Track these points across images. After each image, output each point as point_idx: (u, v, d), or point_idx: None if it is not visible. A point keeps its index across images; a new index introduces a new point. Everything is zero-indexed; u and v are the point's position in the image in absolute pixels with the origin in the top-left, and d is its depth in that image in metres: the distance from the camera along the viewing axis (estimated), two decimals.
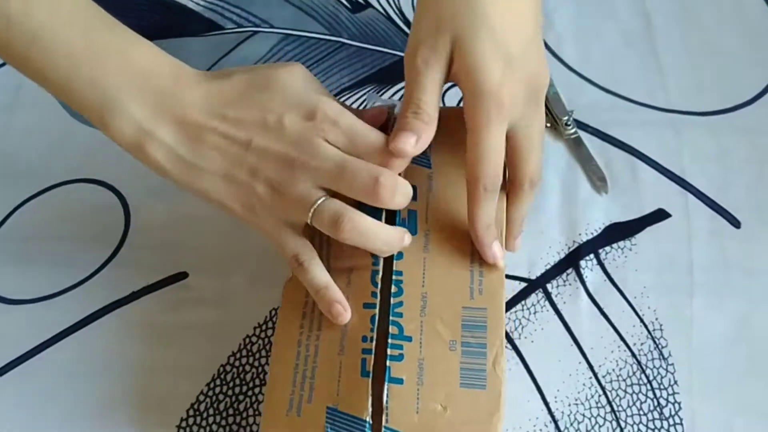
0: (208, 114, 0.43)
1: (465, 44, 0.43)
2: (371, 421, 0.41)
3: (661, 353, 0.53)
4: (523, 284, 0.56)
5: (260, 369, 0.53)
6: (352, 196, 0.43)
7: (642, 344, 0.53)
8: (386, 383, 0.42)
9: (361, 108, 0.52)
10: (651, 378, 0.52)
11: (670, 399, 0.51)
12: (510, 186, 0.48)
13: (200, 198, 0.45)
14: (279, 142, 0.42)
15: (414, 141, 0.43)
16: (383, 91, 0.65)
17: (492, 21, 0.43)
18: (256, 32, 0.69)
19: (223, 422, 0.51)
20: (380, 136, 0.43)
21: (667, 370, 0.52)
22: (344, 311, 0.44)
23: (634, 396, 0.52)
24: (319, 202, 0.43)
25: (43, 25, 0.42)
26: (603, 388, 0.52)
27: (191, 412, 0.52)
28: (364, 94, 0.65)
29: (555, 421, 0.51)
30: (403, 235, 0.45)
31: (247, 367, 0.53)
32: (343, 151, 0.43)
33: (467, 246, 0.46)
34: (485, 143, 0.43)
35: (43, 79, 0.44)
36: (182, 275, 0.57)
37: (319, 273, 0.45)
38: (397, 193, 0.43)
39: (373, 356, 0.43)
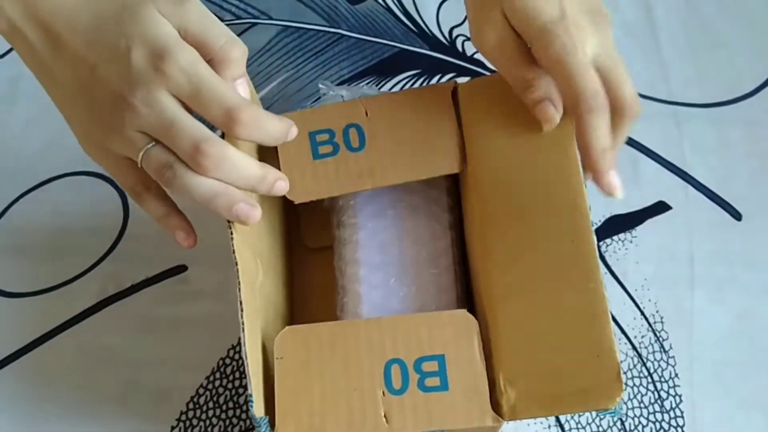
0: (70, 30, 0.40)
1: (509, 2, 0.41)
2: None
3: (661, 346, 0.53)
4: None
5: None
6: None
7: (642, 337, 0.53)
8: None
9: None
10: (652, 371, 0.52)
11: (671, 392, 0.51)
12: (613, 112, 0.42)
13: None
14: (118, 77, 0.39)
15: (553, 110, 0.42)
16: (383, 82, 0.65)
17: None
18: (254, 24, 0.68)
19: (223, 415, 0.51)
20: (229, 92, 0.39)
21: (667, 363, 0.52)
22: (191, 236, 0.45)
23: (635, 389, 0.52)
24: (145, 149, 0.39)
25: None
26: None
27: (191, 405, 0.52)
28: (364, 86, 0.64)
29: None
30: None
31: None
32: (185, 100, 0.39)
33: None
34: (573, 63, 0.40)
35: None
36: (182, 268, 0.57)
37: (156, 204, 0.44)
38: (224, 163, 0.38)
39: None
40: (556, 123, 0.42)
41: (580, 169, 0.42)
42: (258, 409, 0.39)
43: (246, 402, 0.52)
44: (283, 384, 0.41)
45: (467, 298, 0.48)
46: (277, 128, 0.40)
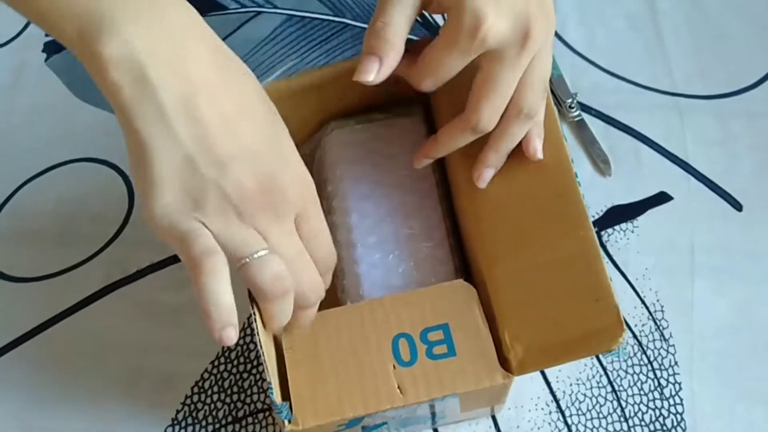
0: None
1: None
2: None
3: (662, 334, 0.53)
4: None
5: None
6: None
7: (643, 325, 0.54)
8: None
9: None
10: (652, 359, 0.53)
11: (671, 379, 0.52)
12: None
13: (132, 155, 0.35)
14: (253, 177, 0.35)
15: (376, 67, 0.40)
16: None
17: None
18: (259, 12, 0.69)
19: (228, 399, 0.52)
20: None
21: (667, 351, 0.53)
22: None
23: (635, 376, 0.52)
24: (260, 253, 0.36)
25: None
26: (604, 369, 0.52)
27: (196, 390, 0.52)
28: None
29: (557, 401, 0.51)
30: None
31: (252, 346, 0.54)
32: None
33: None
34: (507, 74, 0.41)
35: None
36: None
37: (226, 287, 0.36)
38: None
39: None
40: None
41: (560, 127, 0.44)
42: (277, 396, 0.39)
43: (250, 387, 0.52)
44: (295, 372, 0.42)
45: (464, 267, 0.49)
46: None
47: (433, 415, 0.47)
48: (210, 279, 0.34)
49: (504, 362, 0.41)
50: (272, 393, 0.38)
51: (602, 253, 0.54)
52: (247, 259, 0.35)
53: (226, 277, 0.35)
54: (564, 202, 0.42)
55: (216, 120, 0.34)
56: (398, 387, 0.41)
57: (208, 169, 0.34)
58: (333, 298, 0.49)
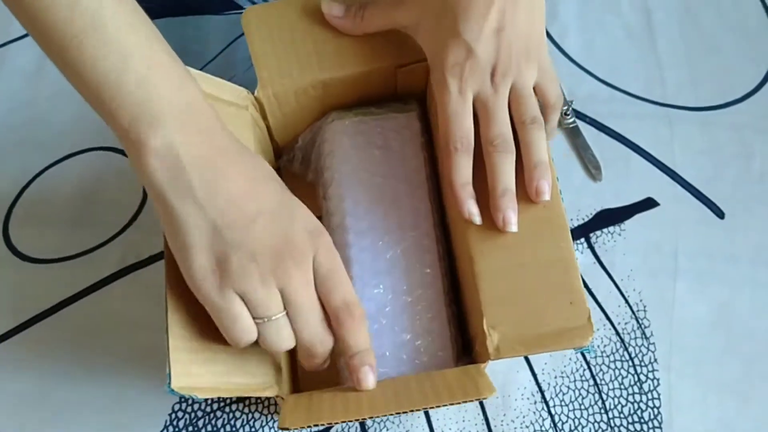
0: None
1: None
2: None
3: (643, 332, 0.56)
4: None
5: None
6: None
7: (626, 323, 0.56)
8: None
9: None
10: (633, 355, 0.55)
11: (650, 375, 0.55)
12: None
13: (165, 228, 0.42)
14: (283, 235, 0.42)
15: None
16: None
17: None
18: None
19: None
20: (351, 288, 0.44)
21: (648, 349, 0.55)
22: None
23: (617, 371, 0.55)
24: (276, 316, 0.42)
25: (111, 14, 0.39)
26: (588, 363, 0.55)
27: None
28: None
29: (542, 392, 0.54)
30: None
31: None
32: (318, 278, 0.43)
33: None
34: (448, 108, 0.47)
35: (80, 69, 0.39)
36: None
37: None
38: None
39: None
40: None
41: (547, 145, 0.48)
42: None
43: None
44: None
45: (448, 257, 0.53)
46: (365, 343, 0.45)
47: None
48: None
49: (481, 347, 0.45)
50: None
51: (592, 255, 0.58)
52: (265, 320, 0.42)
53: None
54: (549, 211, 0.46)
55: (236, 193, 0.41)
56: None
57: (232, 233, 0.40)
58: None
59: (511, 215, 0.45)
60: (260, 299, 0.41)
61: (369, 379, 0.44)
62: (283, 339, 0.43)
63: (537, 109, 0.48)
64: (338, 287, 0.43)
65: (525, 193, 0.46)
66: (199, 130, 0.41)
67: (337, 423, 0.43)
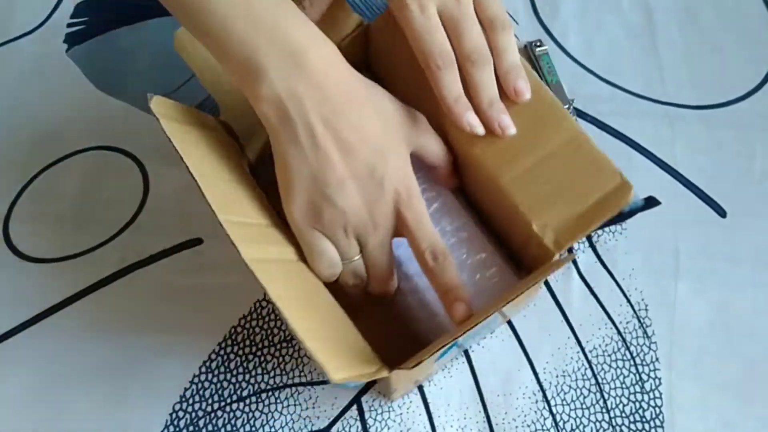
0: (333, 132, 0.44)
1: None
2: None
3: (645, 332, 0.56)
4: None
5: (269, 332, 0.56)
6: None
7: (627, 323, 0.56)
8: None
9: None
10: (634, 354, 0.55)
11: (651, 374, 0.54)
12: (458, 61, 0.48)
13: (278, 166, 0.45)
14: (364, 200, 0.45)
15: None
16: None
17: None
18: None
19: (233, 379, 0.55)
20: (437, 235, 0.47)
21: (649, 348, 0.55)
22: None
23: (618, 370, 0.55)
24: (354, 259, 0.48)
25: None
26: (589, 362, 0.55)
27: (203, 369, 0.55)
28: None
29: (543, 390, 0.54)
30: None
31: (257, 330, 0.56)
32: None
33: None
34: (414, 27, 0.46)
35: (197, 19, 0.43)
36: (197, 241, 0.60)
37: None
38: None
39: None
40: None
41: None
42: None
43: (255, 368, 0.55)
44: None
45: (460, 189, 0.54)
46: (455, 279, 0.47)
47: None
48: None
49: (539, 247, 0.46)
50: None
51: (593, 254, 0.58)
52: (345, 262, 0.47)
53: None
54: (538, 103, 0.47)
55: (335, 149, 0.43)
56: None
57: (326, 188, 0.44)
58: None
59: (505, 119, 0.46)
60: (342, 246, 0.46)
61: (460, 310, 0.45)
62: (358, 276, 0.48)
63: (504, 11, 0.48)
64: (426, 231, 0.46)
65: (506, 95, 0.47)
66: (303, 75, 0.42)
67: (439, 349, 0.43)
